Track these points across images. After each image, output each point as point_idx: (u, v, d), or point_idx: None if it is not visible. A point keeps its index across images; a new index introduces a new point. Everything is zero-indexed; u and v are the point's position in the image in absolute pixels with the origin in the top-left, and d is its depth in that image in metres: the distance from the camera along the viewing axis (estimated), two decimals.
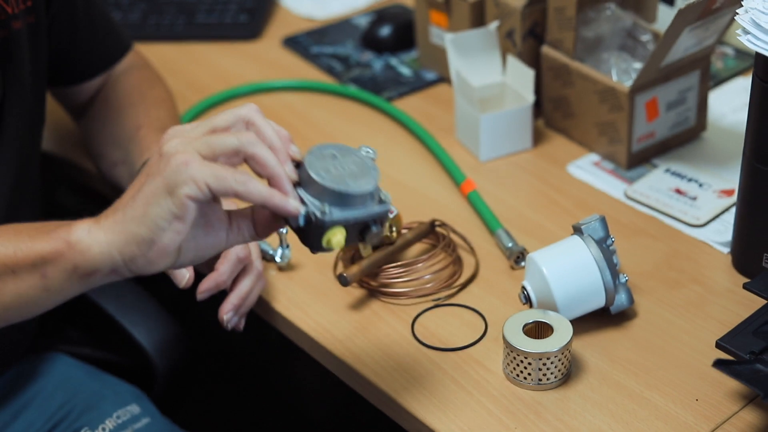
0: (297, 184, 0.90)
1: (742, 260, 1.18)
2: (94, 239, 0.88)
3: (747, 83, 1.29)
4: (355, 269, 1.16)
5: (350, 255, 1.21)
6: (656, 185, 1.32)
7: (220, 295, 1.13)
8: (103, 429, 1.23)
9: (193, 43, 1.71)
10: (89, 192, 1.48)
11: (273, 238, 1.23)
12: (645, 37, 1.38)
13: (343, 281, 1.15)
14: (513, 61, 1.40)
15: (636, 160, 1.36)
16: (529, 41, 1.42)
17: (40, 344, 1.31)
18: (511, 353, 1.05)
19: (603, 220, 1.11)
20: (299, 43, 1.68)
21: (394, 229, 1.20)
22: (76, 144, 1.45)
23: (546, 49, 1.40)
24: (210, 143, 0.87)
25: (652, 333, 1.12)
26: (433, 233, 1.24)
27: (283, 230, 1.20)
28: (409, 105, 1.52)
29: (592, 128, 1.38)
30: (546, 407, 1.04)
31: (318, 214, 0.89)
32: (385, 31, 1.65)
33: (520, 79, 1.39)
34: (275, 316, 1.19)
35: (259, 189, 0.87)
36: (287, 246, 1.22)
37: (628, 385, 1.06)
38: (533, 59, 1.43)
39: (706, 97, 1.39)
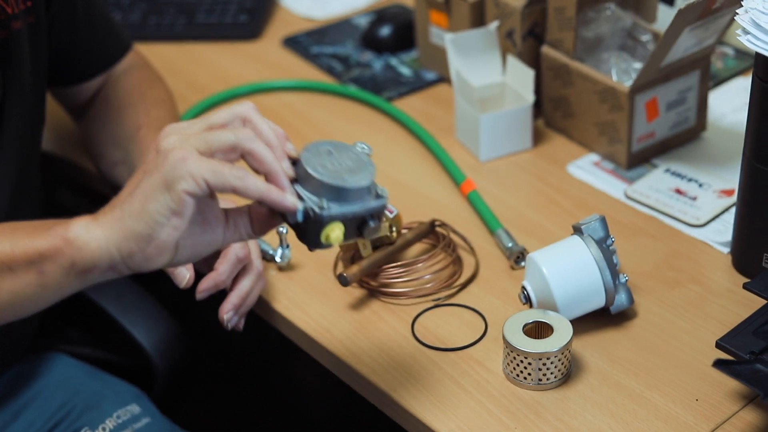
0: (294, 181, 0.90)
1: (742, 260, 1.18)
2: (92, 236, 0.88)
3: (747, 83, 1.29)
4: (355, 269, 1.16)
5: (350, 255, 1.21)
6: (656, 185, 1.32)
7: (220, 295, 1.13)
8: (104, 429, 1.23)
9: (193, 43, 1.71)
10: (89, 192, 1.48)
11: (273, 238, 1.23)
12: (645, 37, 1.38)
13: (343, 281, 1.15)
14: (513, 61, 1.40)
15: (636, 160, 1.36)
16: (529, 41, 1.42)
17: (40, 344, 1.31)
18: (511, 353, 1.05)
19: (603, 220, 1.11)
20: (299, 43, 1.68)
21: (394, 229, 1.20)
22: (76, 144, 1.45)
23: (546, 49, 1.40)
24: (207, 139, 0.88)
25: (652, 333, 1.12)
26: (433, 233, 1.24)
27: (283, 230, 1.20)
28: (409, 105, 1.52)
29: (592, 128, 1.38)
30: (546, 407, 1.04)
31: (316, 209, 0.89)
32: (385, 31, 1.65)
33: (520, 79, 1.39)
34: (275, 316, 1.19)
35: (256, 184, 0.88)
36: (287, 246, 1.22)
37: (628, 385, 1.06)
38: (533, 59, 1.43)
39: (706, 97, 1.39)
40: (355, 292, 1.19)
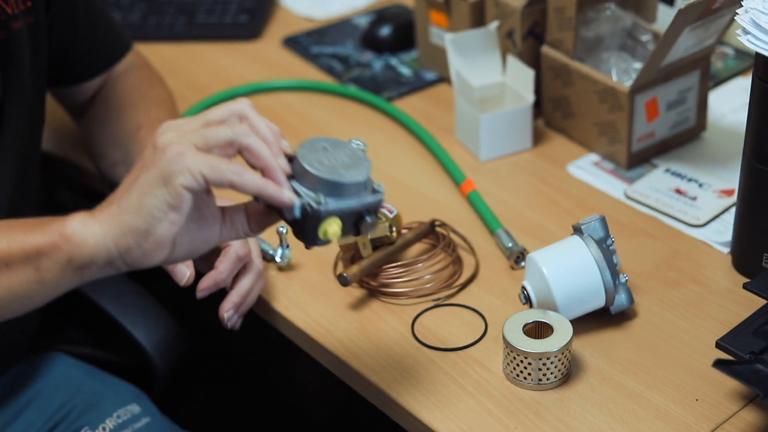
0: (290, 178, 0.91)
1: (742, 260, 1.18)
2: (89, 231, 0.88)
3: (747, 83, 1.29)
4: (355, 269, 1.16)
5: (350, 255, 1.21)
6: (656, 185, 1.32)
7: (220, 295, 1.13)
8: (104, 428, 1.23)
9: (193, 43, 1.71)
10: (89, 192, 1.48)
11: (273, 238, 1.23)
12: (645, 37, 1.38)
13: (343, 281, 1.15)
14: (513, 61, 1.40)
15: (636, 160, 1.36)
16: (529, 41, 1.42)
17: (40, 344, 1.31)
18: (511, 353, 1.05)
19: (603, 220, 1.11)
20: (299, 43, 1.68)
21: (394, 229, 1.20)
22: (76, 144, 1.45)
23: (546, 49, 1.40)
24: (204, 135, 0.88)
25: (652, 333, 1.12)
26: (433, 233, 1.24)
27: (283, 230, 1.20)
28: (409, 105, 1.52)
29: (592, 128, 1.38)
30: (546, 407, 1.04)
31: (313, 204, 0.89)
32: (385, 31, 1.65)
33: (520, 79, 1.39)
34: (275, 316, 1.19)
35: (253, 179, 0.88)
36: (287, 246, 1.22)
37: (628, 385, 1.06)
38: (533, 59, 1.43)
39: (706, 97, 1.39)
40: (355, 292, 1.19)
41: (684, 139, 1.40)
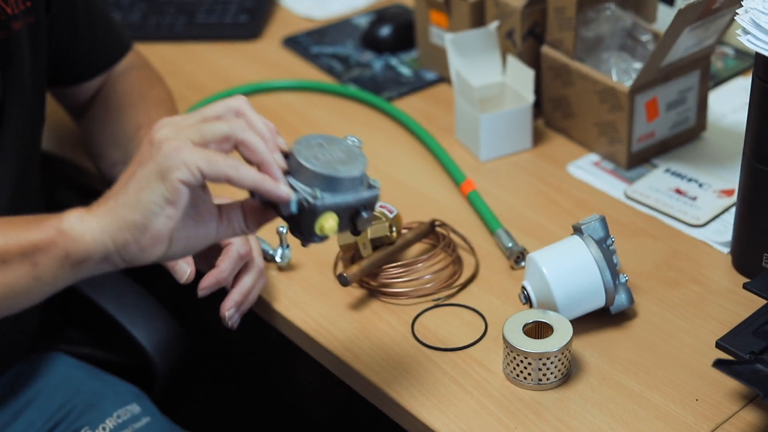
0: (286, 174, 0.91)
1: (742, 260, 1.18)
2: (86, 227, 0.88)
3: (747, 83, 1.29)
4: (355, 269, 1.16)
5: (350, 255, 1.21)
6: (656, 185, 1.32)
7: (221, 295, 1.12)
8: (104, 428, 1.23)
9: (193, 43, 1.71)
10: (89, 192, 1.48)
11: (273, 238, 1.23)
12: (645, 37, 1.38)
13: (343, 281, 1.15)
14: (513, 61, 1.40)
15: (636, 160, 1.36)
16: (529, 41, 1.42)
17: (40, 344, 1.31)
18: (511, 353, 1.05)
19: (603, 220, 1.11)
20: (299, 43, 1.68)
21: (394, 229, 1.20)
22: (76, 144, 1.45)
23: (546, 49, 1.40)
24: (201, 130, 0.88)
25: (652, 333, 1.12)
26: (433, 233, 1.24)
27: (283, 230, 1.20)
28: (409, 105, 1.52)
29: (592, 128, 1.38)
30: (546, 407, 1.04)
31: (309, 199, 0.90)
32: (385, 31, 1.65)
33: (520, 79, 1.39)
34: (275, 316, 1.19)
35: (250, 173, 0.88)
36: (287, 246, 1.22)
37: (628, 385, 1.06)
38: (533, 59, 1.43)
39: (706, 97, 1.39)
40: (355, 292, 1.19)
41: (684, 139, 1.40)
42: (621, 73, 1.37)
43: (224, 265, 1.10)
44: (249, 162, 0.90)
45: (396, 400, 1.06)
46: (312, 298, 1.19)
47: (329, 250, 1.23)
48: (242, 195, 0.93)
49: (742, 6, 1.08)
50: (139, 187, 0.87)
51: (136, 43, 1.41)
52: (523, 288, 1.11)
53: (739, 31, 1.07)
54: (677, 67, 1.33)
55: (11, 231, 0.90)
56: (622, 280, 1.11)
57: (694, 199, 1.29)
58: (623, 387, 1.05)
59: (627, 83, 1.33)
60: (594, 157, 1.39)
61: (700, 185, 1.31)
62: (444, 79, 1.56)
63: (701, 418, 1.02)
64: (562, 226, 1.25)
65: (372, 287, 1.18)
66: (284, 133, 0.95)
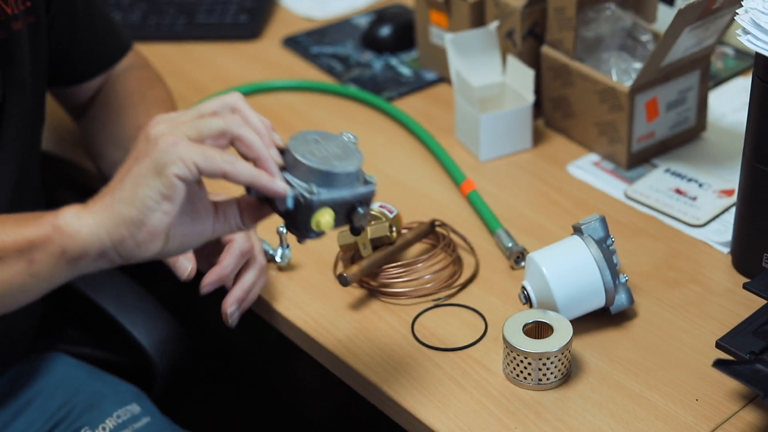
0: (282, 169, 0.91)
1: (742, 260, 1.18)
2: (82, 223, 0.88)
3: (747, 83, 1.29)
4: (355, 269, 1.16)
5: (350, 255, 1.21)
6: (656, 185, 1.32)
7: (221, 295, 1.12)
8: (104, 428, 1.23)
9: (193, 43, 1.71)
10: (89, 192, 1.47)
11: (273, 238, 1.23)
12: (645, 37, 1.38)
13: (343, 281, 1.15)
14: (513, 61, 1.40)
15: (636, 160, 1.36)
16: (529, 41, 1.42)
17: (40, 344, 1.31)
18: (511, 353, 1.05)
19: (603, 220, 1.11)
20: (299, 43, 1.68)
21: (394, 229, 1.20)
22: (76, 144, 1.45)
23: (546, 49, 1.40)
24: (197, 126, 0.88)
25: (652, 333, 1.12)
26: (433, 233, 1.24)
27: (283, 230, 1.20)
28: (409, 105, 1.52)
29: (592, 128, 1.38)
30: (546, 407, 1.04)
31: (306, 194, 0.90)
32: (385, 31, 1.65)
33: (520, 79, 1.39)
34: (275, 316, 1.19)
35: (246, 169, 0.88)
36: (287, 246, 1.22)
37: (628, 385, 1.06)
38: (533, 59, 1.43)
39: (706, 97, 1.39)
40: (355, 292, 1.19)
41: (684, 139, 1.40)
42: (621, 73, 1.37)
43: (226, 262, 1.10)
44: (245, 157, 0.90)
45: (396, 400, 1.06)
46: (312, 298, 1.19)
47: (329, 250, 1.23)
48: (239, 191, 0.93)
49: (742, 6, 1.08)
50: (135, 183, 0.87)
51: (136, 43, 1.41)
52: (523, 288, 1.11)
53: (739, 31, 1.07)
54: (677, 67, 1.33)
55: (7, 228, 0.90)
56: (622, 280, 1.11)
57: (694, 199, 1.29)
58: (623, 387, 1.05)
59: (627, 83, 1.33)
60: (594, 157, 1.39)
61: (700, 185, 1.31)
62: (444, 79, 1.56)
63: (701, 418, 1.02)
64: (562, 226, 1.25)
65: (372, 287, 1.18)
66: (284, 133, 0.95)
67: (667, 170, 1.34)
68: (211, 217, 0.92)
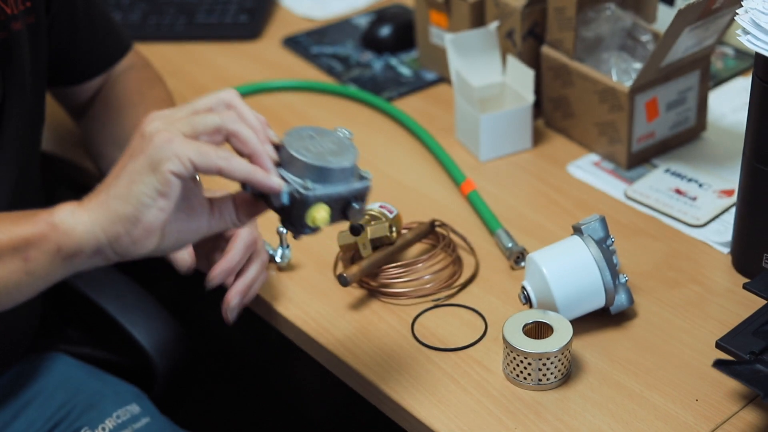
0: (278, 165, 0.91)
1: (742, 260, 1.18)
2: (77, 220, 0.88)
3: (747, 83, 1.29)
4: (355, 269, 1.16)
5: (350, 255, 1.21)
6: (656, 185, 1.32)
7: (220, 295, 1.12)
8: (103, 429, 1.23)
9: (193, 43, 1.71)
10: (89, 192, 1.48)
11: (273, 238, 1.23)
12: (645, 37, 1.38)
13: (343, 281, 1.15)
14: (513, 61, 1.40)
15: (636, 160, 1.36)
16: (529, 41, 1.42)
17: (40, 344, 1.31)
18: (511, 353, 1.05)
19: (603, 220, 1.11)
20: (299, 43, 1.68)
21: (394, 229, 1.20)
22: (76, 144, 1.45)
23: (546, 49, 1.40)
24: (192, 122, 0.89)
25: (652, 333, 1.12)
26: (433, 233, 1.24)
27: (283, 230, 1.20)
28: (409, 105, 1.52)
29: (592, 128, 1.38)
30: (546, 407, 1.04)
31: (301, 190, 0.90)
32: (385, 31, 1.65)
33: (520, 79, 1.39)
34: (275, 316, 1.19)
35: (242, 165, 0.88)
36: (287, 246, 1.22)
37: (628, 385, 1.06)
38: (533, 59, 1.43)
39: (706, 97, 1.39)
40: (355, 292, 1.19)
41: (684, 139, 1.40)
42: (621, 73, 1.37)
43: (233, 254, 1.09)
44: (240, 153, 0.90)
45: (395, 399, 1.06)
46: (312, 298, 1.19)
47: (329, 250, 1.23)
48: (234, 187, 0.93)
49: (742, 6, 1.08)
50: (130, 180, 0.87)
51: (136, 43, 1.41)
52: (523, 288, 1.11)
53: (739, 31, 1.07)
54: (677, 67, 1.33)
55: (2, 226, 0.90)
56: (622, 280, 1.11)
57: (694, 199, 1.29)
58: (623, 387, 1.05)
59: (627, 83, 1.33)
60: (594, 157, 1.39)
61: (700, 185, 1.31)
62: (444, 79, 1.56)
63: (701, 418, 1.02)
64: (562, 226, 1.25)
65: (372, 287, 1.18)
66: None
67: (667, 170, 1.34)
68: (207, 214, 0.92)
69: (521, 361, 1.04)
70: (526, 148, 1.41)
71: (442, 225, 1.24)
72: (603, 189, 1.33)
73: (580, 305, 1.10)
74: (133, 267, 1.25)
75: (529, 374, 1.05)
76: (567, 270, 1.09)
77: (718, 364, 0.99)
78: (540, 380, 1.05)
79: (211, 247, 1.12)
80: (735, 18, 1.08)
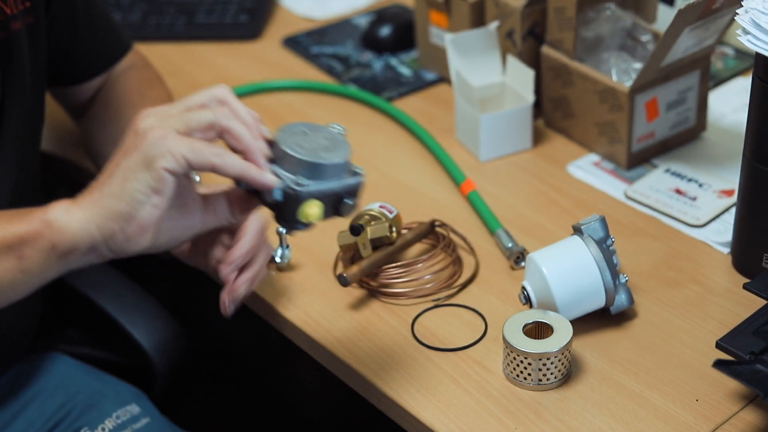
0: (270, 162, 0.91)
1: (742, 260, 1.18)
2: (72, 217, 0.89)
3: (747, 83, 1.29)
4: (355, 269, 1.16)
5: (350, 255, 1.21)
6: (656, 185, 1.32)
7: (218, 296, 1.12)
8: (103, 429, 1.23)
9: (193, 43, 1.71)
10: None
11: (273, 238, 1.23)
12: (645, 37, 1.38)
13: (343, 281, 1.15)
14: (513, 61, 1.40)
15: (636, 160, 1.36)
16: (529, 41, 1.42)
17: (40, 344, 1.31)
18: (511, 353, 1.05)
19: (603, 220, 1.11)
20: (299, 43, 1.68)
21: (394, 229, 1.20)
22: (76, 144, 1.45)
23: (546, 49, 1.40)
24: (185, 119, 0.89)
25: (652, 333, 1.12)
26: (433, 233, 1.24)
27: (283, 230, 1.20)
28: (409, 105, 1.52)
29: (592, 128, 1.38)
30: (546, 407, 1.04)
31: (294, 186, 0.91)
32: (385, 31, 1.65)
33: (520, 79, 1.39)
34: (275, 316, 1.19)
35: (235, 161, 0.89)
36: (287, 246, 1.22)
37: (628, 385, 1.06)
38: (533, 59, 1.43)
39: (706, 97, 1.39)
40: (355, 292, 1.19)
41: (684, 139, 1.40)
42: (621, 73, 1.37)
43: (248, 238, 1.07)
44: (233, 150, 0.90)
45: (396, 400, 1.06)
46: (312, 298, 1.19)
47: (329, 250, 1.23)
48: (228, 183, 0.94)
49: (742, 6, 1.08)
50: (124, 177, 0.87)
51: (136, 43, 1.41)
52: (523, 288, 1.11)
53: (739, 31, 1.07)
54: (677, 67, 1.32)
55: None
56: (622, 280, 1.11)
57: (694, 199, 1.29)
58: (623, 387, 1.05)
59: (627, 83, 1.33)
60: (594, 157, 1.39)
61: (700, 185, 1.31)
62: (444, 79, 1.56)
63: (701, 418, 1.02)
64: (562, 226, 1.25)
65: (372, 287, 1.18)
66: None
67: (667, 170, 1.34)
68: (200, 210, 0.92)
69: (521, 361, 1.04)
70: (526, 148, 1.41)
71: (442, 225, 1.24)
72: (603, 189, 1.33)
73: (580, 305, 1.10)
74: (133, 267, 1.25)
75: (529, 374, 1.05)
76: (567, 270, 1.09)
77: (718, 364, 0.99)
78: (540, 380, 1.05)
79: (209, 243, 1.11)
80: (735, 18, 1.08)
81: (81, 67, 1.33)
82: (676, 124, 1.38)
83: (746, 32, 1.06)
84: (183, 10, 1.76)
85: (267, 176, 0.90)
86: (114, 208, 0.87)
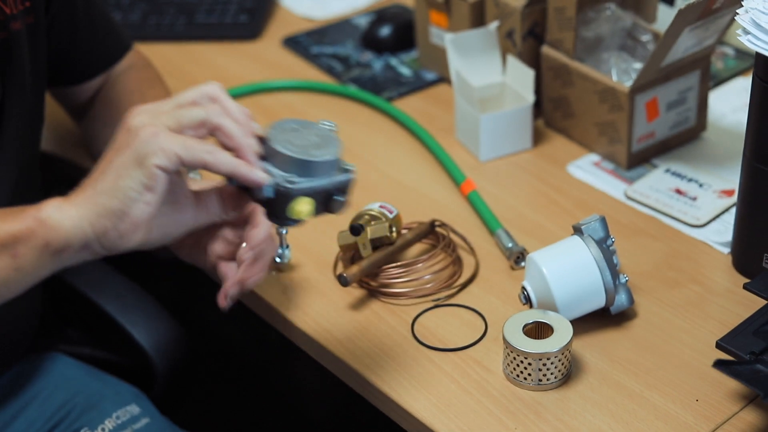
0: (261, 158, 0.92)
1: (742, 260, 1.18)
2: (65, 215, 0.89)
3: (747, 83, 1.29)
4: (355, 269, 1.16)
5: (350, 255, 1.21)
6: (656, 185, 1.32)
7: (216, 296, 1.12)
8: (103, 429, 1.23)
9: (193, 43, 1.71)
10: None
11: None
12: (645, 37, 1.38)
13: (343, 281, 1.15)
14: (513, 61, 1.40)
15: (636, 160, 1.36)
16: (529, 41, 1.42)
17: (40, 344, 1.31)
18: (511, 353, 1.05)
19: (603, 220, 1.11)
20: (299, 43, 1.68)
21: (394, 229, 1.20)
22: (76, 144, 1.45)
23: (546, 49, 1.40)
24: (177, 116, 0.89)
25: (652, 333, 1.12)
26: (433, 233, 1.24)
27: (283, 230, 1.20)
28: (409, 105, 1.52)
29: (592, 128, 1.38)
30: (546, 407, 1.04)
31: (284, 183, 0.91)
32: (385, 31, 1.65)
33: (520, 79, 1.39)
34: (275, 316, 1.19)
35: (226, 159, 0.89)
36: (287, 246, 1.22)
37: (628, 385, 1.06)
38: (533, 59, 1.43)
39: (706, 97, 1.39)
40: (355, 292, 1.19)
41: (684, 139, 1.40)
42: (621, 73, 1.37)
43: (263, 226, 1.03)
44: (225, 147, 0.91)
45: (396, 400, 1.06)
46: (312, 298, 1.19)
47: (329, 250, 1.23)
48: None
49: (742, 6, 1.08)
50: (116, 174, 0.88)
51: (136, 43, 1.41)
52: (523, 288, 1.11)
53: (739, 31, 1.07)
54: (677, 67, 1.32)
55: None
56: (622, 280, 1.11)
57: (694, 199, 1.29)
58: (623, 387, 1.05)
59: (627, 83, 1.33)
60: (594, 157, 1.39)
61: (700, 185, 1.31)
62: (444, 79, 1.56)
63: (701, 418, 1.02)
64: (562, 226, 1.25)
65: (372, 287, 1.18)
66: None
67: (667, 170, 1.34)
68: (192, 207, 0.93)
69: (521, 361, 1.04)
70: (526, 148, 1.41)
71: (442, 225, 1.24)
72: (603, 189, 1.33)
73: (580, 305, 1.10)
74: (133, 267, 1.25)
75: (529, 374, 1.05)
76: (567, 270, 1.09)
77: (718, 364, 0.99)
78: (540, 380, 1.05)
79: (210, 238, 1.11)
80: (735, 18, 1.08)
81: (81, 67, 1.33)
82: (676, 124, 1.38)
83: (746, 32, 1.06)
84: (183, 10, 1.76)
85: (257, 174, 0.90)
86: (107, 206, 0.88)
